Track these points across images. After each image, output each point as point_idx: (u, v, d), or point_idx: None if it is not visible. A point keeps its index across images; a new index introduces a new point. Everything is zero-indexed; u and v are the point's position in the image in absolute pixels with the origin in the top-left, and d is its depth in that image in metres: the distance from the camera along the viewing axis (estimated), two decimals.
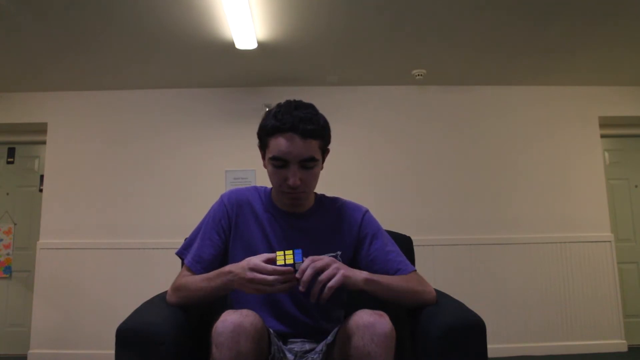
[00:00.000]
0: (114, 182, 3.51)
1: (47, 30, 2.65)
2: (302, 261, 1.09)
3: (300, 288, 1.07)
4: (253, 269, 1.08)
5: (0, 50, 2.90)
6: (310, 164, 1.21)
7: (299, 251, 1.10)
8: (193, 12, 2.50)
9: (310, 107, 1.23)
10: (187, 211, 3.39)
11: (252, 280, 1.08)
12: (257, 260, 1.10)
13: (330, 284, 1.07)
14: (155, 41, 2.83)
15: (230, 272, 1.14)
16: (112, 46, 2.89)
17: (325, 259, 1.12)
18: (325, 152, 1.28)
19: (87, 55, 3.01)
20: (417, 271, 1.32)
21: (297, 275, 1.08)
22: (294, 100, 1.24)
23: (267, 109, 1.28)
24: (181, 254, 1.35)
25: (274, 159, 1.20)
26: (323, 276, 1.08)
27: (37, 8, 2.41)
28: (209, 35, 2.76)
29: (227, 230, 1.32)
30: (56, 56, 3.00)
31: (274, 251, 1.17)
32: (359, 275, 1.15)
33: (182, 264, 1.35)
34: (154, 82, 3.52)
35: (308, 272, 1.07)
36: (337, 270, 1.10)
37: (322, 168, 1.29)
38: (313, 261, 1.09)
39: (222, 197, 1.37)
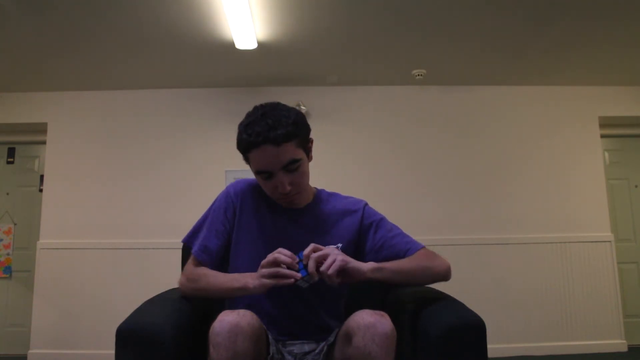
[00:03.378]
0: (114, 182, 3.51)
1: (47, 30, 2.65)
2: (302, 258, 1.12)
3: (310, 271, 1.09)
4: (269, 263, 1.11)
5: (0, 50, 2.90)
6: (294, 166, 1.21)
7: (300, 254, 1.13)
8: (193, 12, 2.50)
9: (277, 109, 1.22)
10: (187, 211, 3.35)
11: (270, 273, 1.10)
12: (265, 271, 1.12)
13: (329, 271, 1.08)
14: (156, 41, 2.83)
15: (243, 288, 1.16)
16: (112, 46, 2.89)
17: (325, 249, 1.13)
18: (307, 143, 1.27)
19: (87, 56, 3.01)
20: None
21: (303, 261, 1.11)
22: (260, 106, 1.24)
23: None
24: (188, 241, 1.35)
25: (258, 173, 1.22)
26: (324, 267, 1.09)
27: (37, 7, 2.41)
28: (209, 35, 2.76)
29: (232, 221, 1.33)
30: (56, 56, 3.00)
31: (274, 245, 1.17)
32: (364, 264, 1.17)
33: (189, 251, 1.35)
34: (154, 82, 3.52)
35: (311, 264, 1.09)
36: (335, 257, 1.11)
37: (311, 159, 1.29)
38: (314, 251, 1.12)
39: (228, 187, 1.38)
